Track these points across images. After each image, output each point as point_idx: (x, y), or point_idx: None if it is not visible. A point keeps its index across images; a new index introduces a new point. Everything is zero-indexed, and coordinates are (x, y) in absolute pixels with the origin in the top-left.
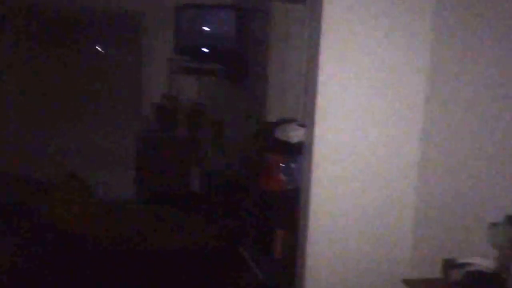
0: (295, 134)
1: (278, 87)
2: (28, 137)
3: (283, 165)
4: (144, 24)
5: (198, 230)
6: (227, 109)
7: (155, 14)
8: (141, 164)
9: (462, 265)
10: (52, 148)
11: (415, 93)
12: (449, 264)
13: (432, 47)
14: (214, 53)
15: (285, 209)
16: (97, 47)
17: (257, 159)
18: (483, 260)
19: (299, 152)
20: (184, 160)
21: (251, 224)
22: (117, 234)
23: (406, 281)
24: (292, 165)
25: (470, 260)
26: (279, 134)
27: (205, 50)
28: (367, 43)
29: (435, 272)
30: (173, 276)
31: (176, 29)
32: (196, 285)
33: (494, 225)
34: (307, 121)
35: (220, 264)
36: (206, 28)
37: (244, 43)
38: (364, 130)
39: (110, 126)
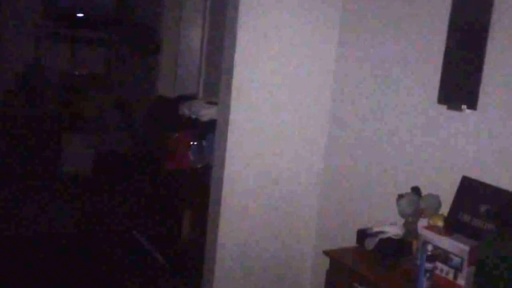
0: (206, 113)
1: (171, 61)
2: None
3: (193, 144)
4: None
5: (67, 214)
6: (112, 82)
7: None
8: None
9: (375, 233)
10: None
11: (325, 74)
12: (363, 234)
13: (341, 27)
14: (90, 19)
15: (194, 188)
16: None
17: (158, 137)
18: (392, 227)
19: (208, 130)
20: (54, 139)
21: (150, 206)
22: None
23: (325, 252)
24: (203, 143)
25: (381, 229)
26: (186, 111)
27: (79, 15)
28: (283, 24)
29: (345, 242)
30: (48, 263)
31: None
32: (86, 270)
33: (401, 196)
34: (221, 100)
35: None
36: None
37: (128, 10)
38: (277, 110)
39: None
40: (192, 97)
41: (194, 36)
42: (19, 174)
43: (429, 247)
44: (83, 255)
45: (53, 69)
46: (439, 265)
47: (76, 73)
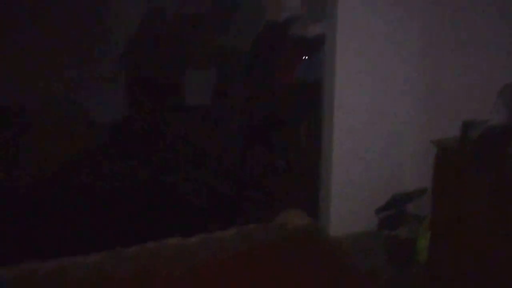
0: (313, 29)
1: None
2: None
3: (304, 59)
4: None
5: None
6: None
7: None
8: None
9: (479, 123)
10: None
11: None
12: (468, 124)
13: None
14: None
15: (308, 101)
16: None
17: (270, 57)
18: (496, 116)
19: (317, 46)
20: None
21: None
22: None
23: (433, 142)
24: (313, 58)
25: (484, 119)
26: (294, 30)
27: None
28: None
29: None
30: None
31: None
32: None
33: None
34: (328, 16)
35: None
36: None
37: None
38: (382, 25)
39: None
40: (298, 17)
41: None
42: None
43: None
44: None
45: None
46: None
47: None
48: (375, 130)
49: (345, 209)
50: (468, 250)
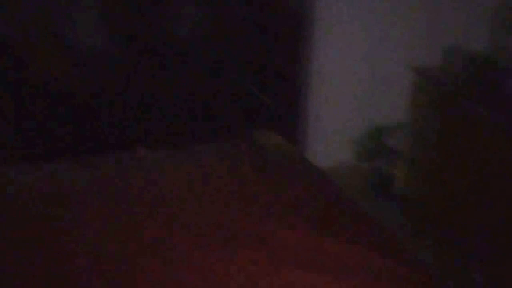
0: None
1: None
2: None
3: None
4: None
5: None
6: None
7: None
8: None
9: (462, 50)
10: None
11: None
12: (450, 50)
13: None
14: None
15: (295, 28)
16: None
17: None
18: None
19: None
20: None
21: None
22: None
23: (413, 68)
24: None
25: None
26: None
27: None
28: None
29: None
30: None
31: None
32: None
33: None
34: None
35: None
36: None
37: None
38: None
39: None
40: None
41: None
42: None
43: None
44: None
45: None
46: None
47: None
48: (357, 60)
49: (323, 140)
50: (448, 181)
